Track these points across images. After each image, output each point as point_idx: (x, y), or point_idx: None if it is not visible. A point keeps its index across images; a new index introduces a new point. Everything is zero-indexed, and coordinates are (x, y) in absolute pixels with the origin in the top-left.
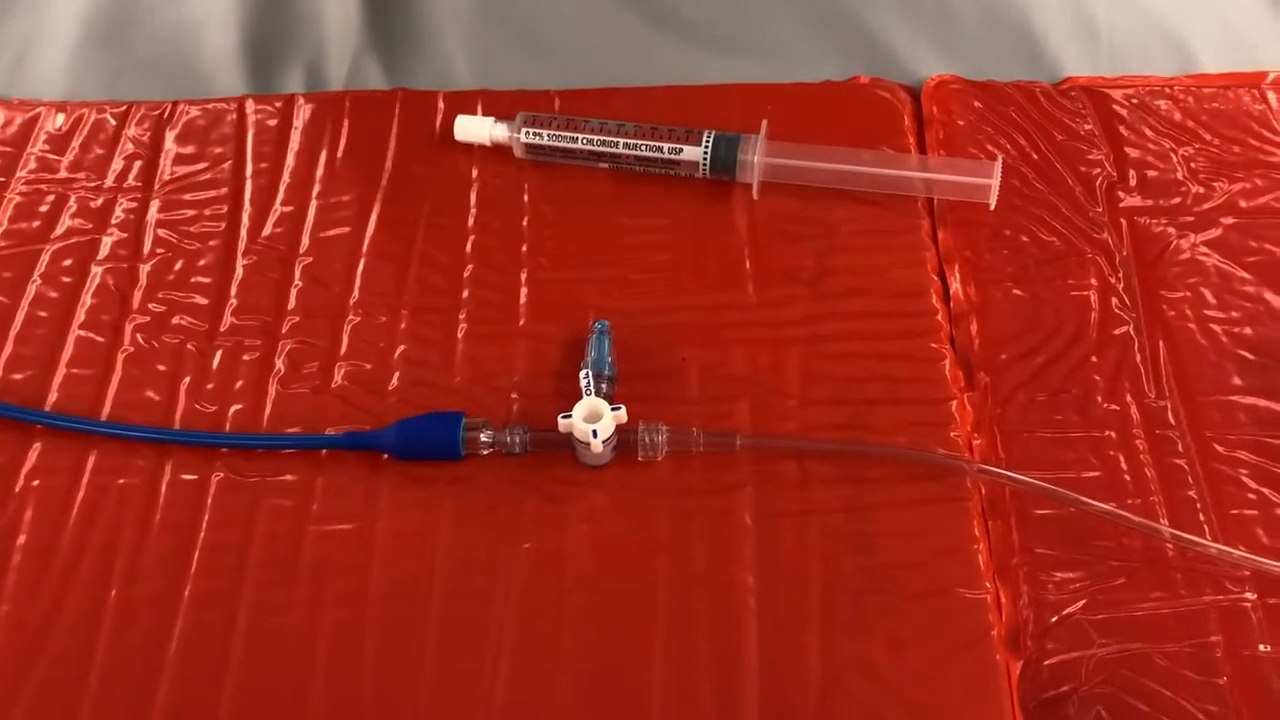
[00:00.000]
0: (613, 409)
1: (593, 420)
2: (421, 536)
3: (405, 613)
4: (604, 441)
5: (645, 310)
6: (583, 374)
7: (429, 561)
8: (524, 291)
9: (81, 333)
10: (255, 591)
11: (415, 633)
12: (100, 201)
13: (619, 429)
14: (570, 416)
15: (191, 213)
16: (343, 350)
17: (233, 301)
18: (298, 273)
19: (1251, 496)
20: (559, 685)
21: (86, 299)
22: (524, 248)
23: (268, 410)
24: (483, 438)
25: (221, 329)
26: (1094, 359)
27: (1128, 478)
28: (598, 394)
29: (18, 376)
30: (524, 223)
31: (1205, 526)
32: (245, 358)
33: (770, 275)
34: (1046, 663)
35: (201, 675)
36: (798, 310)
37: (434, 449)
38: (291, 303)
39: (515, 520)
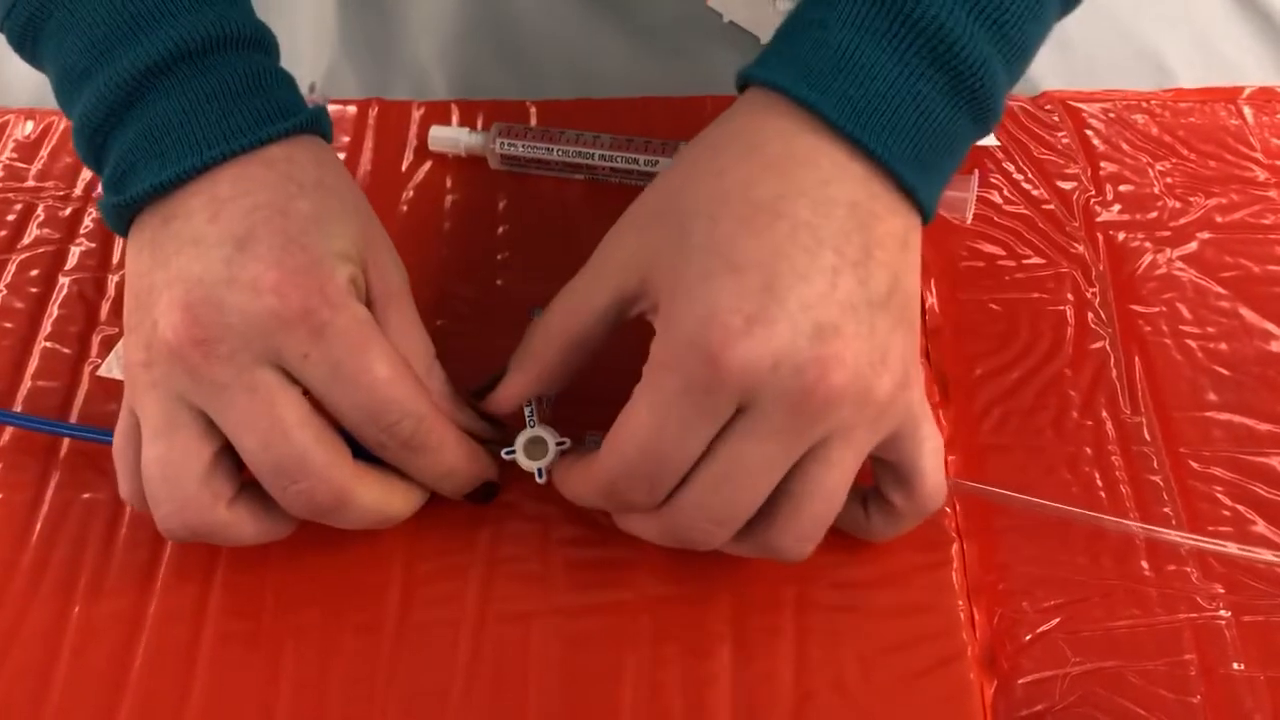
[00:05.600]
0: (558, 444)
1: (537, 457)
2: (388, 553)
3: (370, 630)
4: (549, 470)
5: None
6: (526, 405)
7: (394, 579)
8: (497, 301)
9: (48, 344)
10: (220, 610)
11: (382, 651)
12: (68, 211)
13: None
14: (514, 451)
15: None
16: None
17: None
18: None
19: (1226, 513)
20: (527, 705)
21: (53, 310)
22: (498, 257)
23: None
24: None
25: None
26: (1069, 374)
27: (1103, 494)
28: (540, 418)
29: None
30: (499, 233)
31: (1180, 542)
32: None
33: None
34: (1021, 681)
35: (165, 694)
36: None
37: None
38: None
39: (479, 536)
